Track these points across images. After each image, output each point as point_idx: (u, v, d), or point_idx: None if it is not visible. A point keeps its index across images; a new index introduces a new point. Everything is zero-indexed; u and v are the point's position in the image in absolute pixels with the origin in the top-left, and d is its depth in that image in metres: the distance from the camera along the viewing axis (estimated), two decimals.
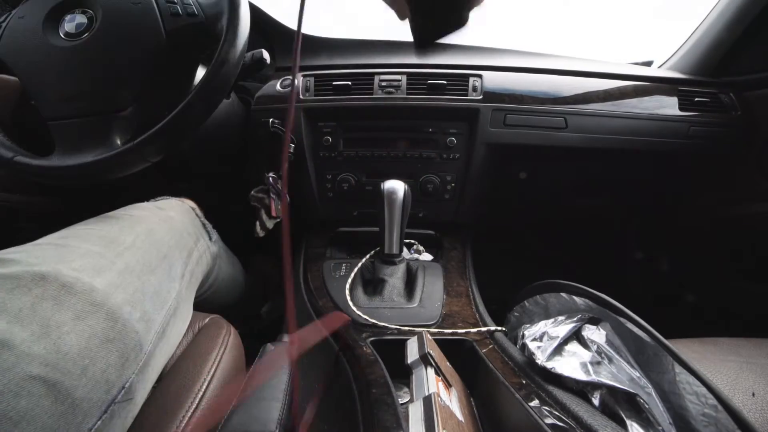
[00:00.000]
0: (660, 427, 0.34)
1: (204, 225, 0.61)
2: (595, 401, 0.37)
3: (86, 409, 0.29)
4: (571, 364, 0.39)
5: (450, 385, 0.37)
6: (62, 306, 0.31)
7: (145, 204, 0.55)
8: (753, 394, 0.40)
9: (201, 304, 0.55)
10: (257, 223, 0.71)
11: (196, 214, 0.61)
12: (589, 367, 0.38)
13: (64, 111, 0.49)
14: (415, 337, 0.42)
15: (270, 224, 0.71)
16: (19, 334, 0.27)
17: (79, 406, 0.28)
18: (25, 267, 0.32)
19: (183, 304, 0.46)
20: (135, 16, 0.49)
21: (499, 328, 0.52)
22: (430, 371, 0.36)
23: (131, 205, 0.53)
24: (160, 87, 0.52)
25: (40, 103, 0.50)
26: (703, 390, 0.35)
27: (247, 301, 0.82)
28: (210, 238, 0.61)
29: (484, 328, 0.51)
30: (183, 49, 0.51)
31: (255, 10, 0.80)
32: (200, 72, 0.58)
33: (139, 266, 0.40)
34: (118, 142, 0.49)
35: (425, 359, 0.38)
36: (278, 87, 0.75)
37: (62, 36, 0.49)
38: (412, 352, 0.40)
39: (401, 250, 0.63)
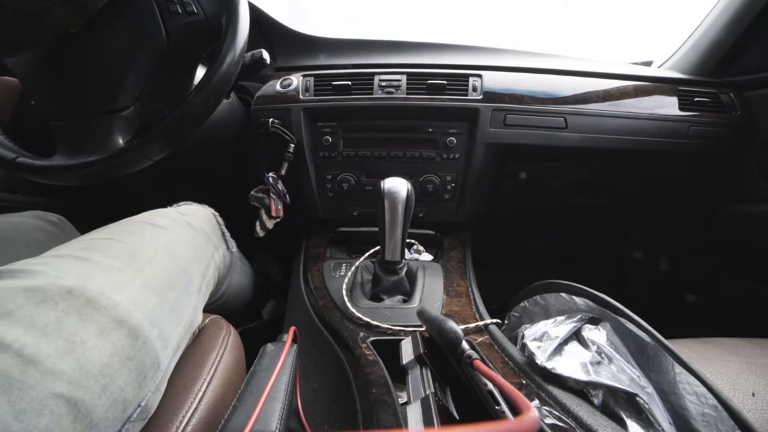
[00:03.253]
0: (660, 427, 0.34)
1: (223, 234, 0.60)
2: (595, 401, 0.37)
3: (103, 428, 0.28)
4: (571, 364, 0.39)
5: (446, 384, 0.37)
6: (86, 321, 0.30)
7: (166, 210, 0.54)
8: (753, 394, 0.40)
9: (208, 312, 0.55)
10: (257, 223, 0.71)
11: (218, 222, 0.60)
12: (589, 367, 0.38)
13: (65, 111, 0.49)
14: (409, 337, 0.42)
15: (270, 224, 0.71)
16: (44, 349, 0.27)
17: (97, 425, 0.28)
18: (52, 279, 0.31)
19: (197, 317, 0.46)
20: (134, 14, 0.49)
21: (493, 320, 0.52)
22: (426, 371, 0.36)
23: (153, 212, 0.51)
24: (161, 86, 0.52)
25: (40, 103, 0.50)
26: (703, 390, 0.35)
27: (252, 307, 0.82)
28: (228, 247, 0.60)
29: (481, 322, 0.51)
30: (184, 47, 0.51)
31: (255, 10, 0.80)
32: (200, 72, 0.58)
33: (159, 282, 0.39)
34: (120, 141, 0.49)
35: (420, 360, 0.38)
36: (278, 87, 0.75)
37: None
38: (407, 353, 0.40)
39: (403, 256, 0.58)
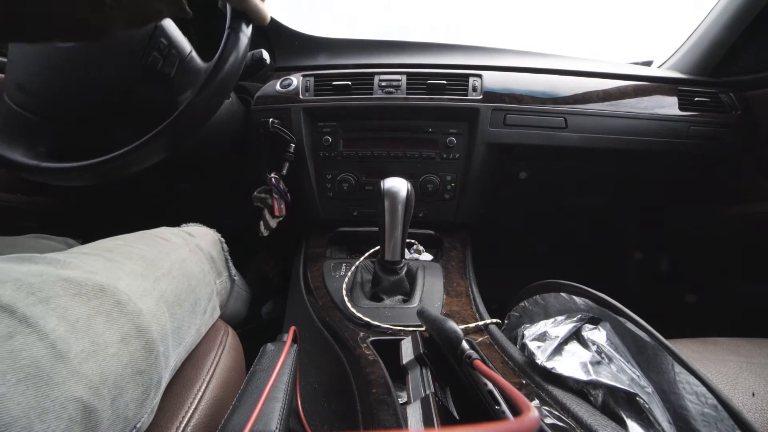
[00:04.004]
0: (660, 427, 0.34)
1: (227, 260, 0.60)
2: (595, 401, 0.37)
3: None
4: (571, 364, 0.39)
5: (446, 384, 0.37)
6: (112, 324, 0.30)
7: (175, 230, 0.54)
8: (753, 394, 0.40)
9: None
10: (261, 223, 0.71)
11: (222, 248, 0.60)
12: (589, 367, 0.38)
13: (14, 96, 0.50)
14: (409, 337, 0.42)
15: (273, 223, 0.71)
16: (74, 346, 0.26)
17: None
18: (87, 274, 0.31)
19: (196, 340, 0.45)
20: (124, 47, 0.48)
21: (493, 320, 0.52)
22: (426, 371, 0.36)
23: (164, 228, 0.52)
24: (117, 114, 0.52)
25: (7, 79, 0.50)
26: (703, 390, 0.35)
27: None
28: (230, 274, 0.60)
29: (481, 322, 0.51)
30: (147, 93, 0.51)
31: None
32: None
33: (172, 297, 0.39)
34: (42, 150, 0.49)
35: (420, 360, 0.38)
36: (278, 87, 0.75)
37: None
38: (407, 353, 0.40)
39: (403, 256, 0.58)
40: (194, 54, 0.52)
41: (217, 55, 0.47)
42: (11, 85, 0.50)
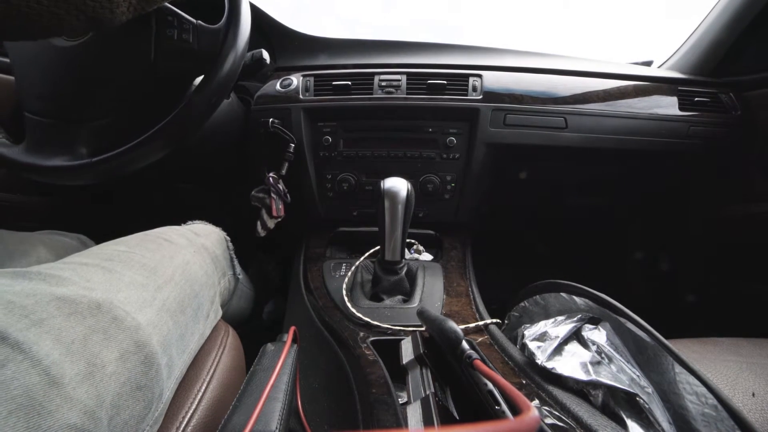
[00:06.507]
0: (660, 427, 0.34)
1: (232, 258, 0.60)
2: (595, 401, 0.37)
3: None
4: (571, 364, 0.39)
5: (446, 384, 0.37)
6: (110, 342, 0.29)
7: (180, 229, 0.53)
8: (753, 394, 0.40)
9: None
10: (258, 222, 0.71)
11: (228, 246, 0.60)
12: (589, 367, 0.38)
13: (38, 108, 0.50)
14: (409, 337, 0.42)
15: (271, 224, 0.71)
16: (68, 371, 0.25)
17: None
18: (81, 291, 0.30)
19: (200, 345, 0.44)
20: (129, 30, 0.48)
21: (493, 320, 0.52)
22: (426, 371, 0.36)
23: (168, 228, 0.51)
24: (145, 102, 0.52)
25: (22, 94, 0.50)
26: (703, 390, 0.35)
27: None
28: (234, 273, 0.60)
29: (481, 322, 0.51)
30: (171, 72, 0.51)
31: (255, 10, 0.80)
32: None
33: (174, 304, 0.38)
34: (83, 151, 0.49)
35: (420, 359, 0.38)
36: (278, 87, 0.75)
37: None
38: (407, 353, 0.40)
39: (403, 256, 0.59)
40: (201, 21, 0.52)
41: (227, 10, 0.47)
42: (29, 98, 0.50)
